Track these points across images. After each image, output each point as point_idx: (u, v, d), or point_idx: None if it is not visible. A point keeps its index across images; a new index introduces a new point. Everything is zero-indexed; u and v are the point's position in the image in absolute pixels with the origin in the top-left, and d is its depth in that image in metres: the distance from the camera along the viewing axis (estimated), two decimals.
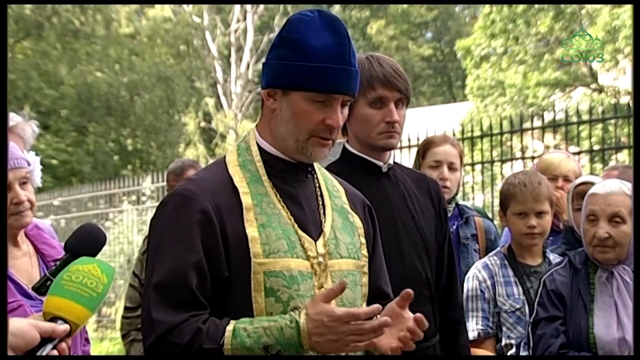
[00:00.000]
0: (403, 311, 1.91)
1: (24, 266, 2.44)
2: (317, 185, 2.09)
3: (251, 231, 1.90)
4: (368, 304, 1.94)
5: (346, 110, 2.00)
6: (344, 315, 1.79)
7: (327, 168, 2.30)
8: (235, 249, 1.89)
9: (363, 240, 2.10)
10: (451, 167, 3.44)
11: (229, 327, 1.81)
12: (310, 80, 1.91)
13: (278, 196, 1.98)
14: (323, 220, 2.03)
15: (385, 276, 2.20)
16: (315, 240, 1.98)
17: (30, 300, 2.32)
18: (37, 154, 2.61)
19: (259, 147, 2.03)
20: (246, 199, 1.94)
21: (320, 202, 2.06)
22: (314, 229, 1.99)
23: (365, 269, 2.08)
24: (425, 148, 3.50)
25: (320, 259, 1.95)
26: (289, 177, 2.02)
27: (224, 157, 2.07)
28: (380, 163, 2.54)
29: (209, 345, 1.79)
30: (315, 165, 2.11)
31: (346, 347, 1.81)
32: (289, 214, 1.97)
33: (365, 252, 2.10)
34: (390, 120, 2.46)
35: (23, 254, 2.47)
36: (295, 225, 1.96)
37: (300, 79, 1.92)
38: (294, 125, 1.95)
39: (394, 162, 2.61)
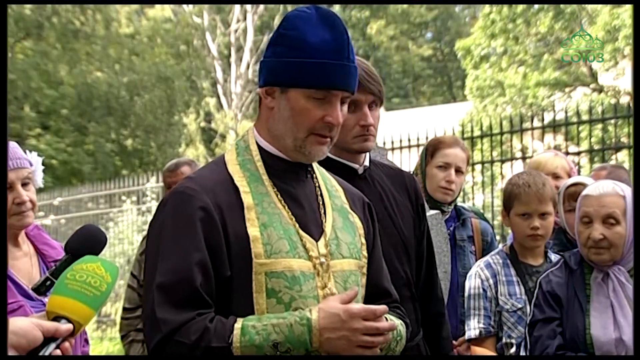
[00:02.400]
0: None
1: (25, 266, 2.44)
2: (317, 185, 2.06)
3: (253, 231, 1.86)
4: (368, 304, 1.91)
5: (346, 108, 1.97)
6: (362, 311, 1.78)
7: None
8: (236, 248, 1.84)
9: (363, 240, 2.07)
10: (458, 171, 3.43)
11: (237, 325, 1.76)
12: (308, 76, 1.88)
13: (279, 196, 1.95)
14: (324, 220, 1.99)
15: (387, 274, 2.17)
16: (317, 241, 1.95)
17: (31, 300, 2.33)
18: (38, 155, 2.61)
19: (259, 146, 2.00)
20: (247, 198, 1.90)
21: (321, 202, 2.03)
22: (315, 229, 1.96)
23: (365, 270, 2.05)
24: (435, 148, 3.47)
25: (322, 259, 1.92)
26: (288, 176, 1.99)
27: (223, 155, 2.03)
28: (355, 166, 2.50)
29: (217, 343, 1.74)
30: (315, 165, 2.09)
31: (356, 348, 1.79)
32: (290, 214, 1.93)
33: (365, 252, 2.06)
34: (365, 123, 2.43)
35: (24, 254, 2.47)
36: (297, 226, 1.92)
37: (298, 76, 1.89)
38: (293, 123, 1.92)
39: (370, 161, 2.58)
